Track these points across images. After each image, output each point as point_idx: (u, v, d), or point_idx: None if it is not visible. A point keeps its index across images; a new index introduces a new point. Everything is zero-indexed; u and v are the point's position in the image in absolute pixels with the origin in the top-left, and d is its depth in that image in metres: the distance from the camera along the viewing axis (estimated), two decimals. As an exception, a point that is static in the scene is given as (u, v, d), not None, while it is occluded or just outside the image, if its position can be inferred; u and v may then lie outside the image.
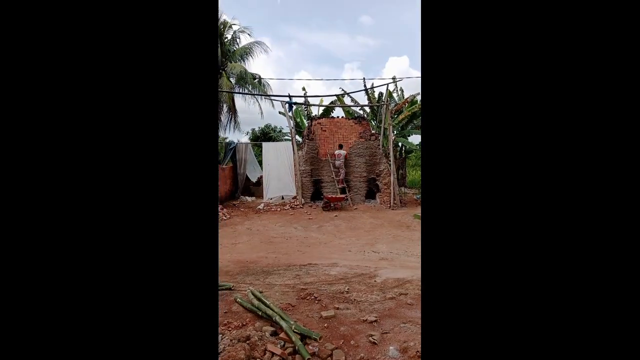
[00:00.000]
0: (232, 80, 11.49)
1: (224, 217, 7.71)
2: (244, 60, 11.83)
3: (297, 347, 1.94)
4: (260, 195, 10.23)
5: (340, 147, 9.41)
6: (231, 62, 11.37)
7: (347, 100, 13.14)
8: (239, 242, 5.54)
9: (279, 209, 8.65)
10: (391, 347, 2.02)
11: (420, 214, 7.69)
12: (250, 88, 11.88)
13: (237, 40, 12.04)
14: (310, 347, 1.99)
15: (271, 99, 11.90)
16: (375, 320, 2.39)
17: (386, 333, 2.21)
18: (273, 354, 1.89)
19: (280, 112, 13.01)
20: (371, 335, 2.15)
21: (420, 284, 3.23)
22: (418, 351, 1.94)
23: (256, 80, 12.00)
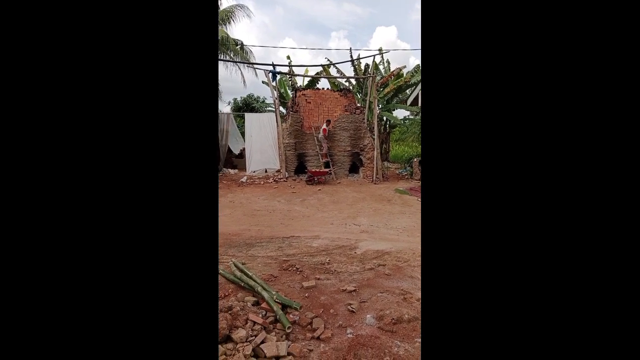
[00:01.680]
0: (213, 45, 10.84)
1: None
2: (224, 25, 11.11)
3: (278, 316, 2.01)
4: (243, 167, 10.09)
5: (328, 122, 9.25)
6: (211, 26, 10.69)
7: (332, 71, 12.79)
8: (221, 214, 5.51)
9: (262, 182, 8.60)
10: (368, 315, 2.12)
11: (401, 188, 7.88)
12: (232, 55, 11.32)
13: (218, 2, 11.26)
14: (291, 316, 2.07)
15: (254, 68, 11.42)
16: (354, 290, 2.49)
17: (364, 302, 2.31)
18: (255, 323, 1.95)
19: (263, 82, 12.58)
20: (350, 304, 2.24)
21: (398, 255, 3.36)
22: (393, 319, 2.05)
23: (238, 47, 11.42)
